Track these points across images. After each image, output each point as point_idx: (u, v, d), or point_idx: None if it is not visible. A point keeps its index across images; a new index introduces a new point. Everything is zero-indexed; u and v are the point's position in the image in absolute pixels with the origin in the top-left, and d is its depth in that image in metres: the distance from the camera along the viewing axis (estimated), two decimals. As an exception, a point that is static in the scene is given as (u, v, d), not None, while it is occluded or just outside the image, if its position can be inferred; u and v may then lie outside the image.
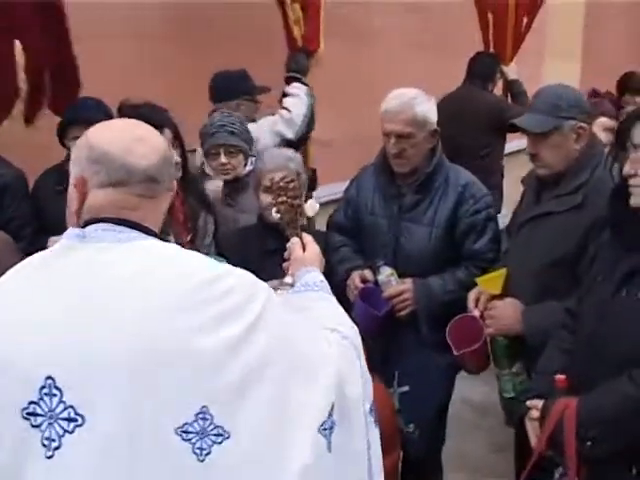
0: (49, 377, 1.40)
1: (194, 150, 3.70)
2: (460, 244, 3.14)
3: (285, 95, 4.27)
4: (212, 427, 1.41)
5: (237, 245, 3.17)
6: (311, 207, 3.45)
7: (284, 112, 4.13)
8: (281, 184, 2.29)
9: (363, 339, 3.03)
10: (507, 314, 2.76)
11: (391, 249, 3.17)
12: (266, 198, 3.12)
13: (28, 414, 1.41)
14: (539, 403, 2.33)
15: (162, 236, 1.65)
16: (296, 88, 4.24)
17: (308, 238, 2.13)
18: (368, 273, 3.18)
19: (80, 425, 1.39)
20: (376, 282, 3.15)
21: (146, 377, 1.39)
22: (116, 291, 1.44)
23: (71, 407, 1.39)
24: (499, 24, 5.80)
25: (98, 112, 3.27)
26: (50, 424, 1.40)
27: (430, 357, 3.11)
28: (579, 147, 2.71)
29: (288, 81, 4.34)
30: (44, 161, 3.52)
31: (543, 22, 7.14)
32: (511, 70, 5.79)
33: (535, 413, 2.33)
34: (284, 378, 1.50)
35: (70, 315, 1.43)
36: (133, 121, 1.64)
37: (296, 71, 4.36)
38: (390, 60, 6.39)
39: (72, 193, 1.59)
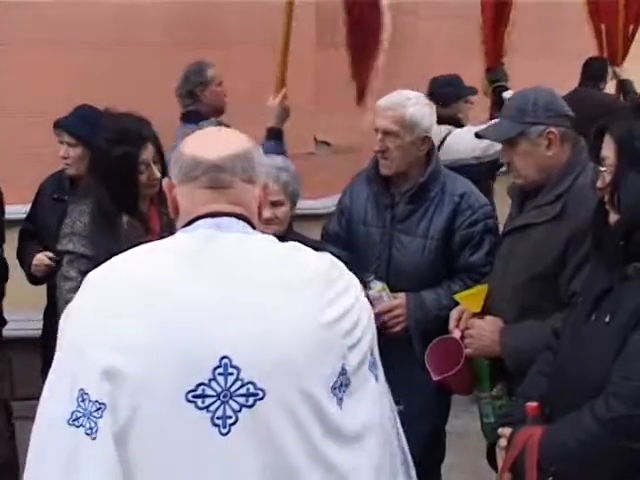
0: (225, 357, 1.46)
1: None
2: (456, 257, 3.01)
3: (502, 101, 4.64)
4: (346, 380, 1.59)
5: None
6: None
7: None
8: None
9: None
10: (485, 334, 2.61)
11: (384, 261, 3.05)
12: None
13: (194, 396, 1.45)
14: (509, 431, 2.16)
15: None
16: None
17: None
18: None
19: (261, 398, 1.47)
20: (368, 297, 3.01)
21: (305, 350, 1.53)
22: (269, 274, 1.58)
23: (250, 383, 1.47)
24: (610, 32, 6.60)
25: (78, 120, 3.40)
26: (223, 402, 1.46)
27: (423, 376, 2.92)
28: (552, 153, 2.52)
29: (497, 90, 4.81)
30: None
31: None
32: (623, 71, 6.49)
33: (504, 442, 2.17)
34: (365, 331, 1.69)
35: (233, 296, 1.52)
36: (224, 128, 1.84)
37: (503, 80, 4.90)
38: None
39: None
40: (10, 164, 4.17)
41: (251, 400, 1.47)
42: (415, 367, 2.94)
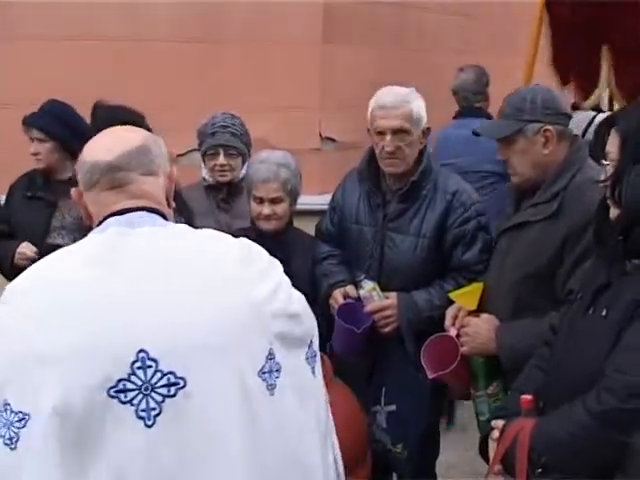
0: (142, 350, 1.48)
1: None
2: (448, 255, 2.98)
3: None
4: (275, 364, 1.61)
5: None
6: None
7: None
8: None
9: (345, 357, 2.92)
10: (481, 332, 2.61)
11: (376, 260, 3.03)
12: (257, 208, 3.07)
13: (116, 392, 1.46)
14: (502, 423, 2.17)
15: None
16: None
17: None
18: (351, 289, 3.04)
19: (183, 387, 1.49)
20: (359, 297, 3.00)
21: (228, 333, 1.55)
22: (185, 262, 1.60)
23: (170, 373, 1.49)
24: None
25: (47, 116, 3.44)
26: (145, 395, 1.47)
27: (417, 375, 2.91)
28: (548, 151, 2.53)
29: None
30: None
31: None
32: None
33: (496, 434, 2.17)
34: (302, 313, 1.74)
35: (147, 290, 1.54)
36: (118, 127, 1.80)
37: None
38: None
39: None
40: (14, 156, 4.19)
41: (173, 390, 1.49)
42: (409, 367, 2.95)
